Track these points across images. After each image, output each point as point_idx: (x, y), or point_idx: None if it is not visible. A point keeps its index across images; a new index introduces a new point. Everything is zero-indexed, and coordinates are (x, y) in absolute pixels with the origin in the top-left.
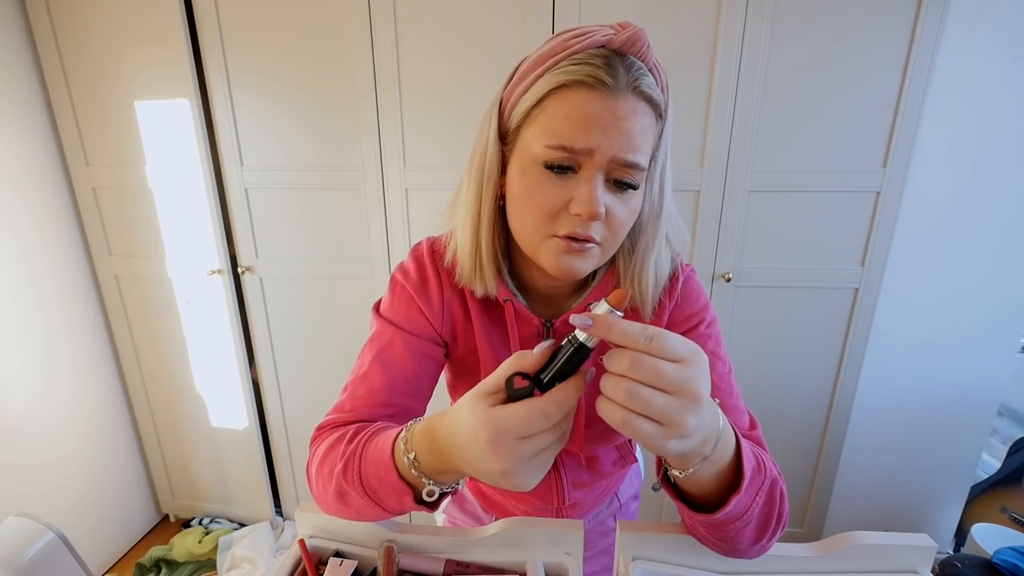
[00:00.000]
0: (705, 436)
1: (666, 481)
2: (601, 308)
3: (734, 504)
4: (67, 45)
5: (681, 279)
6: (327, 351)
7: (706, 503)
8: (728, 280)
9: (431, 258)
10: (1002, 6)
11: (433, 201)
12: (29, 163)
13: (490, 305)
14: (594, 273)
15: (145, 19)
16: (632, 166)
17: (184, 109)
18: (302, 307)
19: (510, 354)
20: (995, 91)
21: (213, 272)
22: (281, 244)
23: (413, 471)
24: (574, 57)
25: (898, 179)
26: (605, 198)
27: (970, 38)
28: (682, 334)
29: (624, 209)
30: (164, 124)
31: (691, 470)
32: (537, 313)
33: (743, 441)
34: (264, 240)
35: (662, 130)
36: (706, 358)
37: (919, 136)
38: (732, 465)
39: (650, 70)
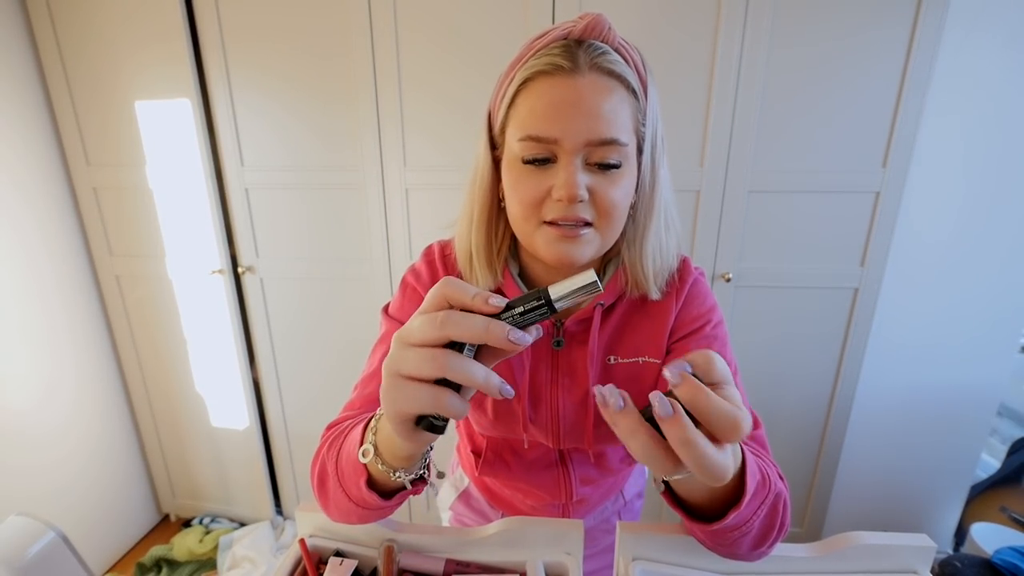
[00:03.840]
0: None
1: (667, 491)
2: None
3: (732, 518)
4: (68, 45)
5: (689, 281)
6: (327, 350)
7: (707, 513)
8: (728, 280)
9: (442, 261)
10: (1002, 6)
11: (434, 201)
12: (30, 163)
13: None
14: (604, 270)
15: (145, 18)
16: (607, 143)
17: (184, 109)
18: (302, 307)
19: (521, 356)
20: (996, 91)
21: (214, 272)
22: (281, 244)
23: (371, 446)
24: (538, 53)
25: (898, 179)
26: (587, 179)
27: (970, 38)
28: (688, 335)
29: (612, 188)
30: (164, 124)
31: (679, 476)
32: None
33: (749, 456)
34: (264, 240)
35: (644, 109)
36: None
37: (919, 136)
38: (736, 478)
39: (616, 49)
